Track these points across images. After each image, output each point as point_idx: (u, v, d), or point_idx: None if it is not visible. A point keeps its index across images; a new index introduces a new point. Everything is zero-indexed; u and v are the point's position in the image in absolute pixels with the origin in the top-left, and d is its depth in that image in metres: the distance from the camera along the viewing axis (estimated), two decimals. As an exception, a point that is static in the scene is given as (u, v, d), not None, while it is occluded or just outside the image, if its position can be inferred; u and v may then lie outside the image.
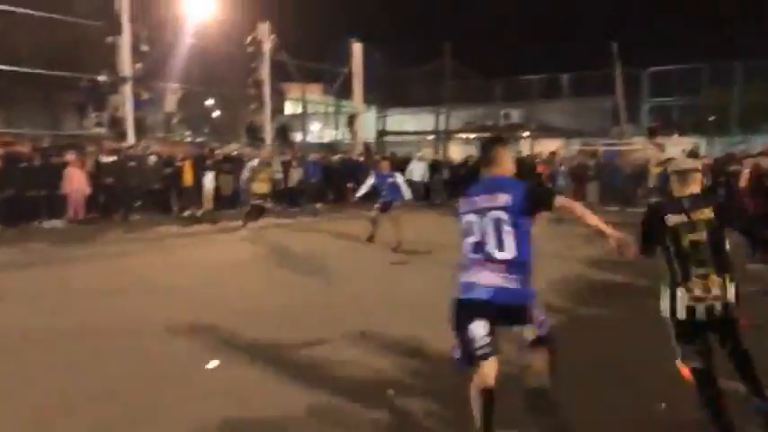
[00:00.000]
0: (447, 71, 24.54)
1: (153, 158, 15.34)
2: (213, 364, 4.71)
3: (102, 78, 17.01)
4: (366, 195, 11.98)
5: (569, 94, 26.00)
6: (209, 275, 8.30)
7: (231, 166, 15.93)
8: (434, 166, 21.14)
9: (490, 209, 3.24)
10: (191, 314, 6.14)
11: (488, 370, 3.04)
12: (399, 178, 11.63)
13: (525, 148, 24.99)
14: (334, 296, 7.10)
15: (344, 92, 25.92)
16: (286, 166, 17.76)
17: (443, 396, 4.08)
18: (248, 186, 12.75)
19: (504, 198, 3.23)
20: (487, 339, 3.07)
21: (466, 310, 3.17)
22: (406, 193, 11.68)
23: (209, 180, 15.73)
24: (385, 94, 29.22)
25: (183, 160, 15.61)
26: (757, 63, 23.26)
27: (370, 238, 11.35)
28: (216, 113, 30.94)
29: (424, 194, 20.50)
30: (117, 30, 16.23)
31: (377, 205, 11.43)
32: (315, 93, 30.44)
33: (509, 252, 3.18)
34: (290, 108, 31.16)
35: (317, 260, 9.42)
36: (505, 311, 3.14)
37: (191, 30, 21.19)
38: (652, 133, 21.37)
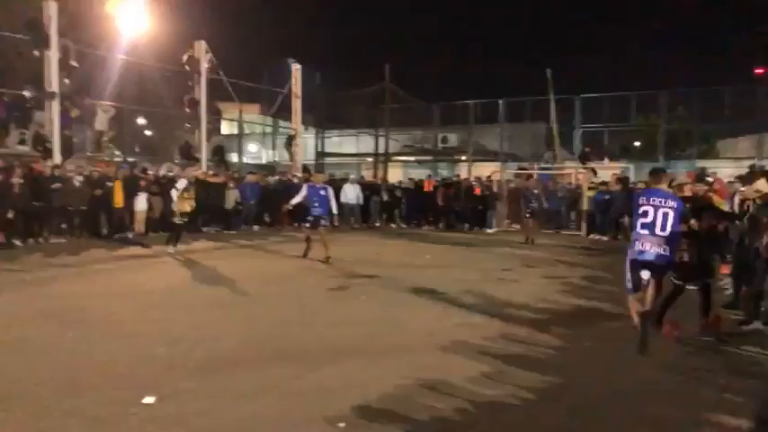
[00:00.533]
0: (386, 94, 24.69)
1: (80, 179, 14.61)
2: (149, 399, 4.38)
3: (27, 93, 16.19)
4: (302, 217, 12.31)
5: (505, 118, 26.60)
6: (139, 303, 7.85)
7: (163, 187, 15.38)
8: (372, 189, 21.10)
9: (662, 206, 5.72)
10: (119, 345, 5.76)
11: (643, 297, 5.89)
12: (331, 192, 11.95)
13: (463, 171, 25.32)
14: (273, 326, 6.83)
15: (283, 113, 25.66)
16: (220, 187, 17.33)
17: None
18: (175, 206, 12.43)
19: (673, 203, 5.76)
20: (647, 281, 5.82)
21: (639, 264, 5.82)
22: (334, 207, 11.97)
23: (141, 202, 15.16)
24: (324, 115, 29.13)
25: (112, 180, 14.98)
26: (680, 92, 24.53)
27: (305, 255, 11.82)
28: (149, 132, 30.01)
29: (363, 217, 20.42)
30: (45, 43, 15.48)
31: (306, 223, 11.83)
32: (252, 113, 30.00)
33: (666, 232, 5.68)
34: (226, 128, 30.59)
35: (252, 285, 9.10)
36: (658, 267, 5.80)
37: (124, 46, 20.51)
38: (584, 158, 22.04)
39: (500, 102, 26.45)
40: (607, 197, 17.81)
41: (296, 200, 12.17)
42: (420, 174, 24.62)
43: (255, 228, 17.98)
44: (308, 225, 11.87)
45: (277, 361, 5.41)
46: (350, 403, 4.35)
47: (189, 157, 19.62)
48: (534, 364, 5.44)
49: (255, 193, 18.14)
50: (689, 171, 20.95)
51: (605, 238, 17.25)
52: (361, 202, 20.02)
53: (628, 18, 64.49)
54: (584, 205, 18.80)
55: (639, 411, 4.41)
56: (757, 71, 28.48)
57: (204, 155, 20.21)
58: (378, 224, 20.47)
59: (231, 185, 17.77)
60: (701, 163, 22.45)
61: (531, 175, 22.10)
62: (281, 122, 28.69)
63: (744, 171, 20.12)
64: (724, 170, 21.64)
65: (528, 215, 16.49)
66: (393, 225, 20.65)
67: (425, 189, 21.00)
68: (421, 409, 4.31)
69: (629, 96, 25.41)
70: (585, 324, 7.09)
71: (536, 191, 16.76)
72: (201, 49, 19.84)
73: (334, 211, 12.06)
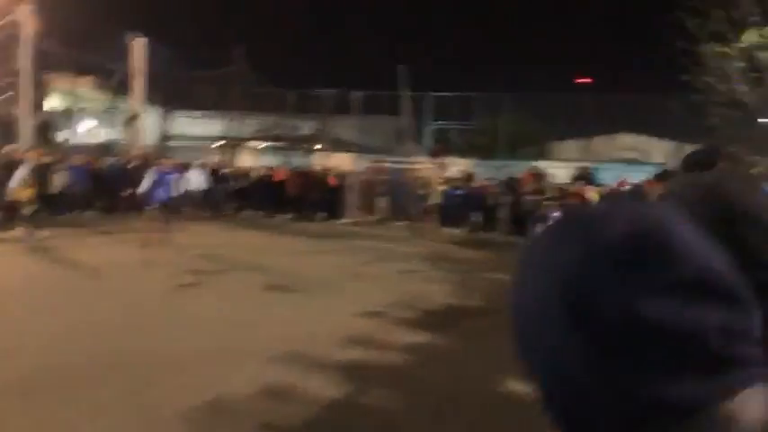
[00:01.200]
0: (238, 76, 23.63)
1: None
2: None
3: None
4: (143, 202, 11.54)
5: (360, 111, 26.70)
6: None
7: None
8: (220, 176, 20.05)
9: None
10: None
11: None
12: (179, 177, 11.35)
13: (318, 160, 25.02)
14: (106, 332, 6.09)
15: (125, 89, 23.61)
16: (42, 168, 15.50)
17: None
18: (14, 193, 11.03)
19: None
20: None
21: None
22: (175, 191, 11.67)
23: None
24: (170, 94, 27.25)
25: None
26: (521, 95, 26.19)
27: (145, 245, 10.93)
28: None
29: (210, 205, 19.39)
30: None
31: (149, 209, 11.10)
32: (87, 87, 27.31)
33: None
34: (55, 102, 27.57)
35: (79, 282, 8.14)
36: None
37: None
38: (435, 154, 22.71)
39: (355, 94, 26.48)
40: (458, 192, 18.54)
41: (144, 186, 11.21)
42: (272, 161, 23.95)
43: (87, 214, 16.35)
44: (150, 211, 10.98)
45: (111, 374, 4.78)
46: (194, 417, 3.91)
47: (6, 133, 17.35)
48: (393, 367, 5.32)
49: (82, 176, 16.43)
50: (527, 169, 22.56)
51: (457, 231, 17.91)
52: (207, 188, 18.96)
53: (479, 23, 67.98)
54: (436, 199, 19.37)
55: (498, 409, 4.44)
56: (579, 81, 31.32)
57: (27, 132, 17.99)
58: (226, 213, 19.56)
59: (58, 167, 15.94)
60: (536, 163, 24.10)
61: (384, 169, 22.44)
62: (121, 99, 26.41)
63: (572, 171, 22.08)
64: (557, 170, 23.48)
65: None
66: (243, 214, 19.84)
67: (277, 178, 20.43)
68: (268, 417, 3.98)
69: (474, 97, 26.65)
70: (444, 321, 7.14)
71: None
72: (25, 13, 17.58)
73: (173, 193, 11.47)
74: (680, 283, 0.50)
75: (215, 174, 19.80)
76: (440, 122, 27.01)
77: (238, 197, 20.24)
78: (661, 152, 25.16)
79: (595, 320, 0.50)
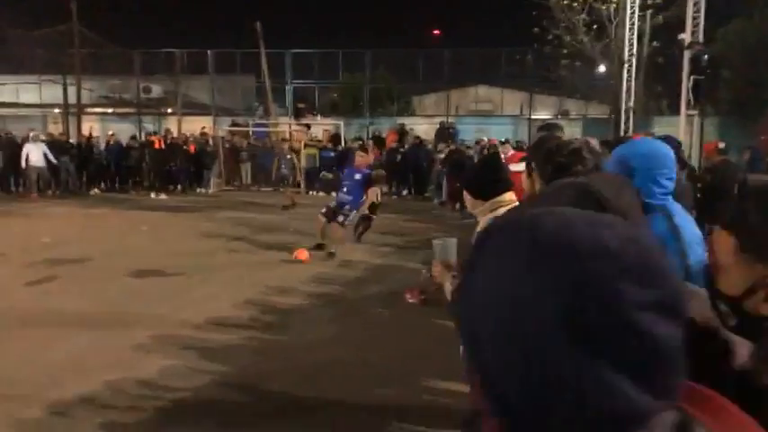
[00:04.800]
0: (75, 36, 21.17)
1: None
2: None
3: None
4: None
5: (215, 70, 25.18)
6: None
7: None
8: (62, 148, 17.96)
9: None
10: None
11: None
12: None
13: (172, 125, 23.40)
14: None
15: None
16: None
17: None
18: None
19: None
20: None
21: None
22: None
23: None
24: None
25: None
26: (382, 52, 26.04)
27: None
28: None
29: (55, 182, 17.52)
30: None
31: None
32: None
33: None
34: None
35: None
36: None
37: None
38: (299, 114, 22.09)
39: (209, 52, 24.92)
40: (332, 154, 18.19)
41: None
42: (121, 129, 22.03)
43: None
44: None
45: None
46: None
47: None
48: (269, 349, 5.05)
49: None
50: (390, 127, 22.71)
51: (334, 194, 17.66)
52: (48, 164, 16.98)
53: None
54: (302, 162, 18.85)
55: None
56: (434, 32, 31.90)
57: None
58: (74, 191, 17.76)
59: None
60: (400, 119, 24.33)
61: (247, 133, 21.49)
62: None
63: (435, 126, 22.56)
64: (420, 126, 23.87)
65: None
66: (96, 191, 18.12)
67: (129, 146, 18.86)
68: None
69: (336, 54, 26.11)
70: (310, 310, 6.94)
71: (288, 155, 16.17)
72: None
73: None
74: (663, 302, 0.57)
75: (56, 146, 17.77)
76: (300, 81, 26.25)
77: (86, 171, 18.44)
78: (515, 103, 26.41)
79: (590, 324, 0.56)
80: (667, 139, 5.27)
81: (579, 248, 0.57)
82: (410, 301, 6.46)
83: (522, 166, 2.89)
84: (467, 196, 2.89)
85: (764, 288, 1.10)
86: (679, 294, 0.59)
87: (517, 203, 2.71)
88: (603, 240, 0.58)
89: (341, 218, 8.75)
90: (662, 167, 2.10)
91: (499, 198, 2.78)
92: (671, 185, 2.12)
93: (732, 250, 1.14)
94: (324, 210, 9.07)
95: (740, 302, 1.12)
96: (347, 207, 8.79)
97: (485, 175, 2.90)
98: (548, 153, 2.35)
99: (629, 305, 0.55)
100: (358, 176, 8.86)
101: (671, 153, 2.17)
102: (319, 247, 9.01)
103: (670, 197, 2.12)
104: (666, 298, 0.57)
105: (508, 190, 2.82)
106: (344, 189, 9.00)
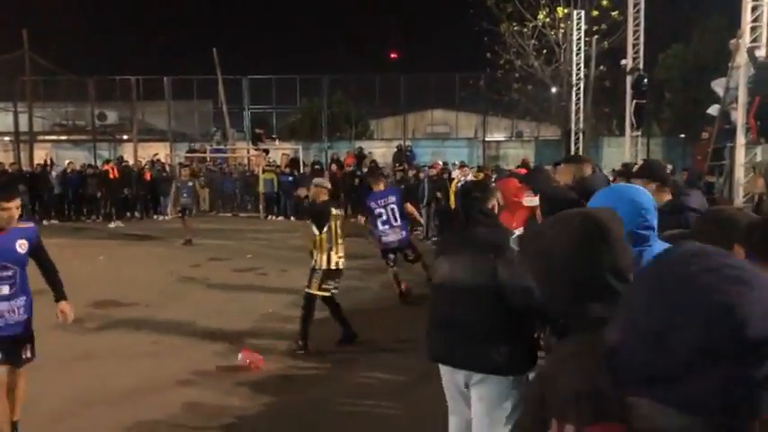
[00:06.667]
0: (26, 62, 20.86)
1: None
2: None
3: None
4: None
5: (172, 96, 25.06)
6: None
7: None
8: (18, 177, 17.57)
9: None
10: None
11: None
12: None
13: (128, 152, 23.17)
14: None
15: None
16: None
17: None
18: None
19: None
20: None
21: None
22: None
23: None
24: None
25: None
26: (339, 77, 26.39)
27: None
28: None
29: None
30: None
31: None
32: None
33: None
34: None
35: None
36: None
37: None
38: (257, 139, 22.17)
39: (165, 79, 24.83)
40: (290, 178, 18.26)
41: None
42: (76, 156, 21.69)
43: None
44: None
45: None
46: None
47: None
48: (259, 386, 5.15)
49: None
50: (348, 151, 22.95)
51: (287, 219, 17.76)
52: None
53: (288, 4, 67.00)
54: (261, 187, 18.91)
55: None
56: (392, 55, 32.44)
57: None
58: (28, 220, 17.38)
59: None
60: (358, 143, 24.61)
61: (205, 158, 21.43)
62: None
63: (393, 150, 22.90)
64: (378, 150, 24.18)
65: (180, 213, 13.80)
66: (53, 221, 17.68)
67: (87, 174, 18.55)
68: None
69: (294, 79, 26.33)
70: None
71: (189, 182, 14.10)
72: None
73: None
74: None
75: (10, 175, 17.41)
76: (259, 107, 26.35)
77: (39, 201, 18.08)
78: (470, 126, 27.02)
79: (741, 334, 0.76)
80: (626, 167, 5.59)
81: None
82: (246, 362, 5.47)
83: (536, 201, 3.36)
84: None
85: None
86: None
87: None
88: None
89: (391, 256, 7.91)
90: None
91: None
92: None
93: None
94: (387, 259, 7.96)
95: None
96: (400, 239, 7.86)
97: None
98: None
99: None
100: (392, 199, 7.86)
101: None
102: (403, 295, 7.80)
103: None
104: None
105: None
106: (383, 218, 7.81)
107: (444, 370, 3.00)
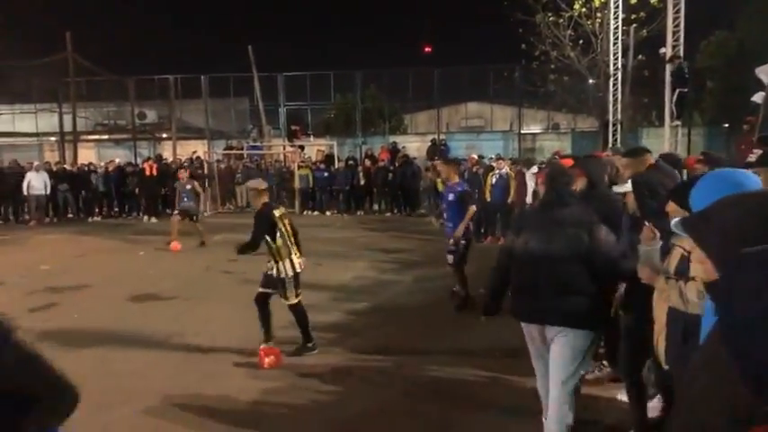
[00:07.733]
0: (71, 65, 21.49)
1: None
2: None
3: None
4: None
5: (209, 94, 25.50)
6: None
7: None
8: (61, 176, 18.11)
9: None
10: None
11: None
12: None
13: (167, 150, 23.67)
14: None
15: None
16: None
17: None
18: None
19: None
20: None
21: None
22: None
23: None
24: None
25: None
26: (372, 72, 26.44)
27: None
28: None
29: (54, 210, 17.72)
30: None
31: None
32: None
33: None
34: None
35: None
36: None
37: None
38: (293, 136, 22.36)
39: (202, 77, 25.25)
40: (326, 174, 18.46)
41: None
42: (117, 155, 22.25)
43: None
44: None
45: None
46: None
47: None
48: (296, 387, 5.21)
49: None
50: (383, 146, 22.97)
51: (322, 214, 17.89)
52: (49, 191, 17.23)
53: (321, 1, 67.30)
54: (296, 183, 19.07)
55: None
56: (425, 48, 32.29)
57: None
58: (73, 217, 17.95)
59: None
60: (392, 138, 24.61)
61: (242, 155, 21.70)
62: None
63: (427, 144, 22.83)
64: (412, 144, 24.16)
65: (177, 212, 12.89)
66: (96, 218, 18.15)
67: (127, 173, 18.99)
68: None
69: (328, 75, 26.48)
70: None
71: (188, 184, 12.96)
72: None
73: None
74: None
75: (55, 174, 17.98)
76: (293, 103, 26.58)
77: (84, 198, 18.60)
78: (505, 118, 26.76)
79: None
80: (669, 157, 5.38)
81: None
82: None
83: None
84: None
85: None
86: None
87: None
88: None
89: (450, 258, 7.17)
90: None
91: None
92: None
93: None
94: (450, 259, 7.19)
95: None
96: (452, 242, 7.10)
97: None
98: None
99: None
100: (451, 197, 7.23)
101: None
102: (465, 302, 7.03)
103: None
104: None
105: None
106: (445, 217, 7.50)
107: (531, 327, 3.51)
